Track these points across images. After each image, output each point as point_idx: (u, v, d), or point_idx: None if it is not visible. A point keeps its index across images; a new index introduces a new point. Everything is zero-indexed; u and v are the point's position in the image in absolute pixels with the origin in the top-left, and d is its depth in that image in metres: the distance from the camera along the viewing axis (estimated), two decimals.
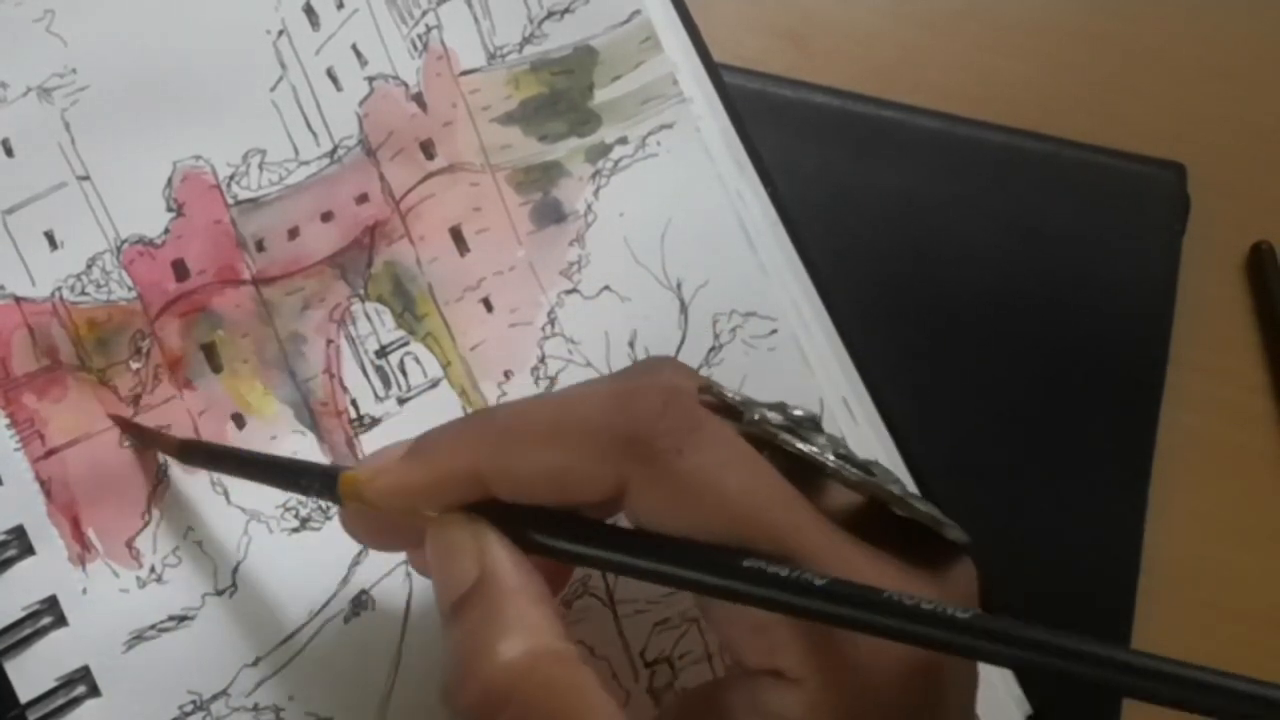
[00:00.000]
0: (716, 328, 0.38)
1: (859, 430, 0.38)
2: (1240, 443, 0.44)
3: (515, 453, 0.28)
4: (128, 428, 0.35)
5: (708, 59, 0.39)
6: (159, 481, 0.35)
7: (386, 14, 0.38)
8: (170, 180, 0.36)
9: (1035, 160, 0.43)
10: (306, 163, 0.37)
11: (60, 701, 0.34)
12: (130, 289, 0.36)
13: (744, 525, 0.27)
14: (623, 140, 0.38)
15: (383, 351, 0.37)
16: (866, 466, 0.28)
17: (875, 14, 0.45)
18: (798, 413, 0.29)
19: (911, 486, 0.38)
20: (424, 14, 0.38)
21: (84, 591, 0.35)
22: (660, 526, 0.27)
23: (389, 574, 0.36)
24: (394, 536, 0.31)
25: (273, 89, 0.37)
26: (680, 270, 0.38)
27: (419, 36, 0.38)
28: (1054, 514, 0.41)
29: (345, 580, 0.36)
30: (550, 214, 0.38)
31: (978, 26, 0.45)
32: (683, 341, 0.38)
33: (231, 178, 0.37)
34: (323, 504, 0.36)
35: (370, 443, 0.36)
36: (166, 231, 0.36)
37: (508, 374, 0.37)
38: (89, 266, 0.36)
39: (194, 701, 0.35)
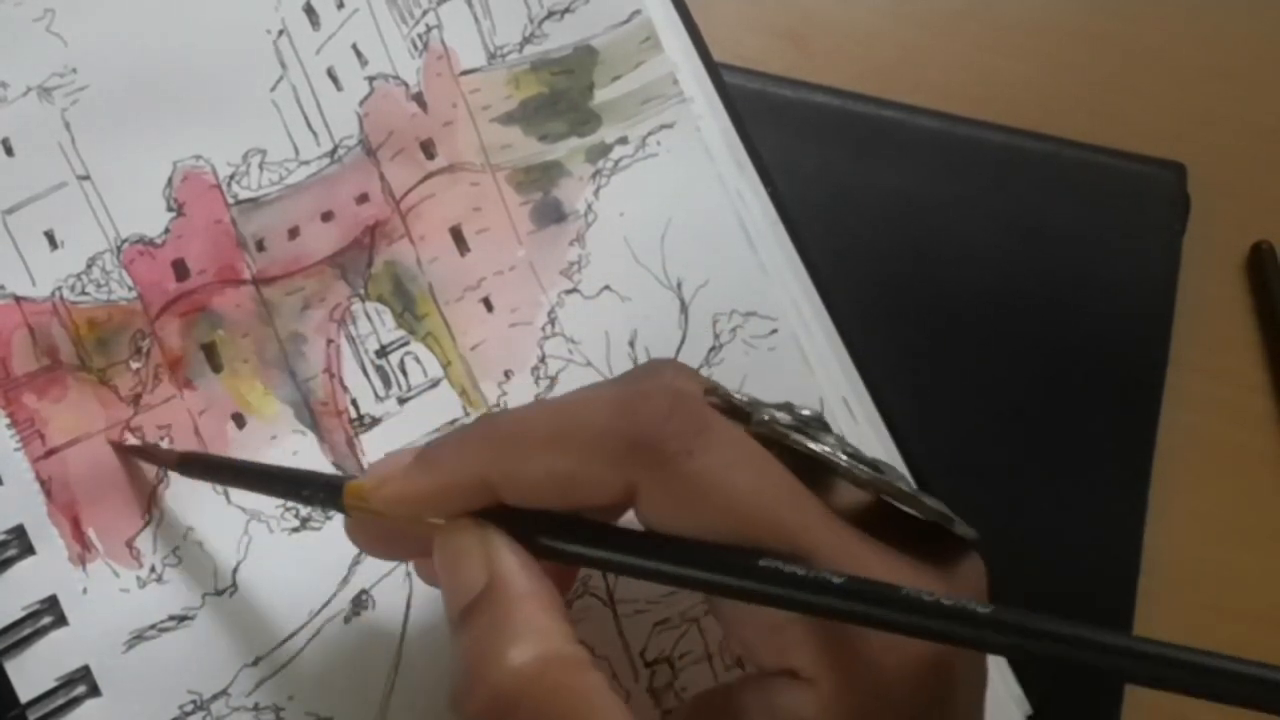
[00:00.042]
0: (716, 328, 0.38)
1: (859, 430, 0.38)
2: (1240, 443, 0.44)
3: (523, 458, 0.28)
4: (126, 451, 0.35)
5: (708, 59, 0.39)
6: (159, 481, 0.35)
7: (387, 14, 0.38)
8: (170, 180, 0.36)
9: (1035, 160, 0.43)
10: (307, 162, 0.37)
11: (60, 701, 0.34)
12: (130, 289, 0.36)
13: (756, 525, 0.27)
14: (623, 140, 0.38)
15: (383, 351, 0.37)
16: (875, 465, 0.28)
17: (875, 14, 0.45)
18: (805, 413, 0.29)
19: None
20: (424, 14, 0.38)
21: (84, 591, 0.35)
22: (671, 528, 0.27)
23: (389, 574, 0.36)
24: (400, 546, 0.31)
25: (273, 89, 0.37)
26: (680, 270, 0.38)
27: (419, 36, 0.38)
28: (1054, 514, 0.41)
29: (345, 580, 0.36)
30: (550, 214, 0.38)
31: (978, 26, 0.45)
32: (683, 341, 0.38)
33: (232, 177, 0.37)
34: None
35: (370, 442, 0.36)
36: (167, 231, 0.36)
37: (508, 374, 0.37)
38: (89, 266, 0.36)
39: (194, 701, 0.35)
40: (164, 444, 0.35)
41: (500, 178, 0.38)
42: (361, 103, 0.37)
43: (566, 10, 0.38)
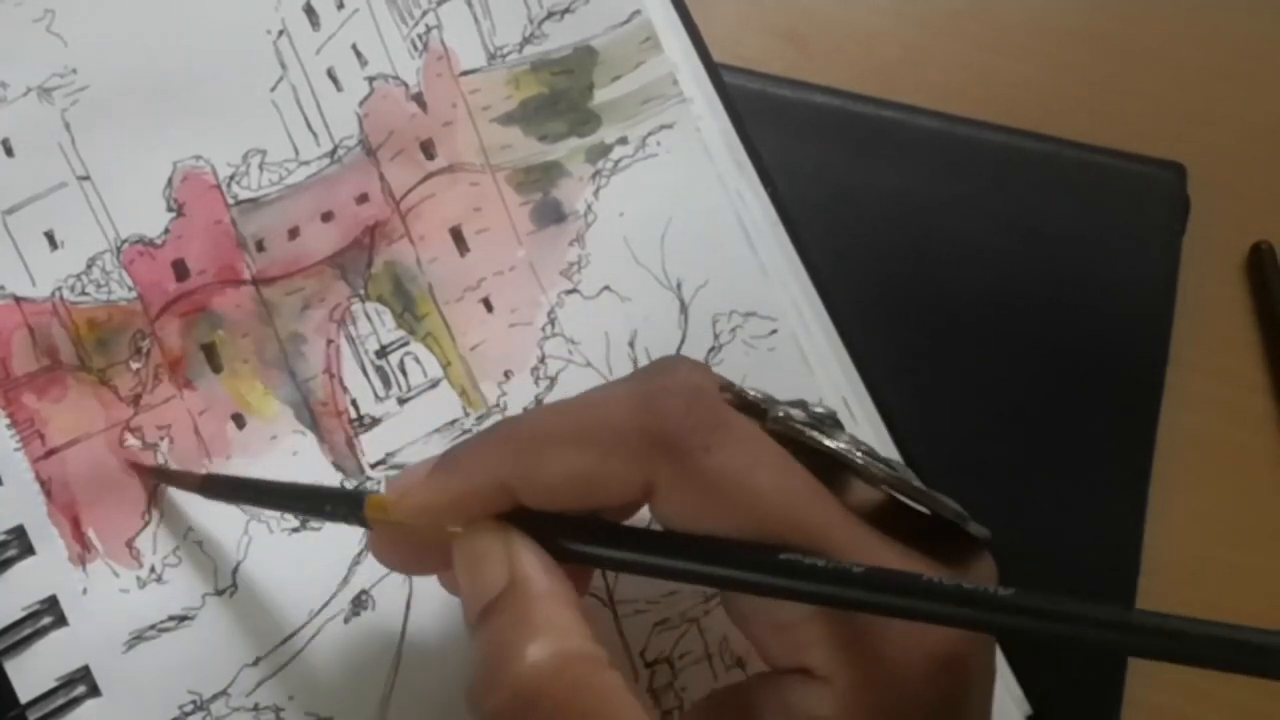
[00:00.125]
0: (716, 328, 0.38)
1: (859, 430, 0.38)
2: (1240, 443, 0.44)
3: (543, 459, 0.28)
4: (148, 473, 0.35)
5: (708, 59, 0.39)
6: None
7: (387, 14, 0.38)
8: (170, 180, 0.36)
9: (1035, 160, 0.43)
10: (307, 163, 0.37)
11: (60, 701, 0.34)
12: (130, 289, 0.36)
13: (774, 521, 0.27)
14: (623, 140, 0.38)
15: (383, 351, 0.37)
16: (889, 463, 0.28)
17: (875, 14, 0.45)
18: (818, 410, 0.29)
19: None
20: (424, 14, 0.38)
21: (84, 591, 0.35)
22: (689, 525, 0.27)
23: (389, 574, 0.36)
24: (426, 559, 0.31)
25: (273, 89, 0.37)
26: (680, 270, 0.38)
27: (419, 36, 0.38)
28: (1054, 514, 0.41)
29: (345, 580, 0.36)
30: (550, 214, 0.38)
31: (978, 26, 0.45)
32: (683, 341, 0.38)
33: (232, 178, 0.37)
34: None
35: (370, 442, 0.36)
36: (166, 231, 0.36)
37: (508, 374, 0.37)
38: (89, 266, 0.36)
39: (194, 701, 0.35)
40: (164, 444, 0.36)
41: (500, 178, 0.38)
42: (361, 103, 0.37)
43: (566, 10, 0.38)
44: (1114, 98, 0.45)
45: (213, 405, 0.36)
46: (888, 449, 0.38)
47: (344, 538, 0.35)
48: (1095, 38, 0.46)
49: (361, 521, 0.30)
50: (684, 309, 0.38)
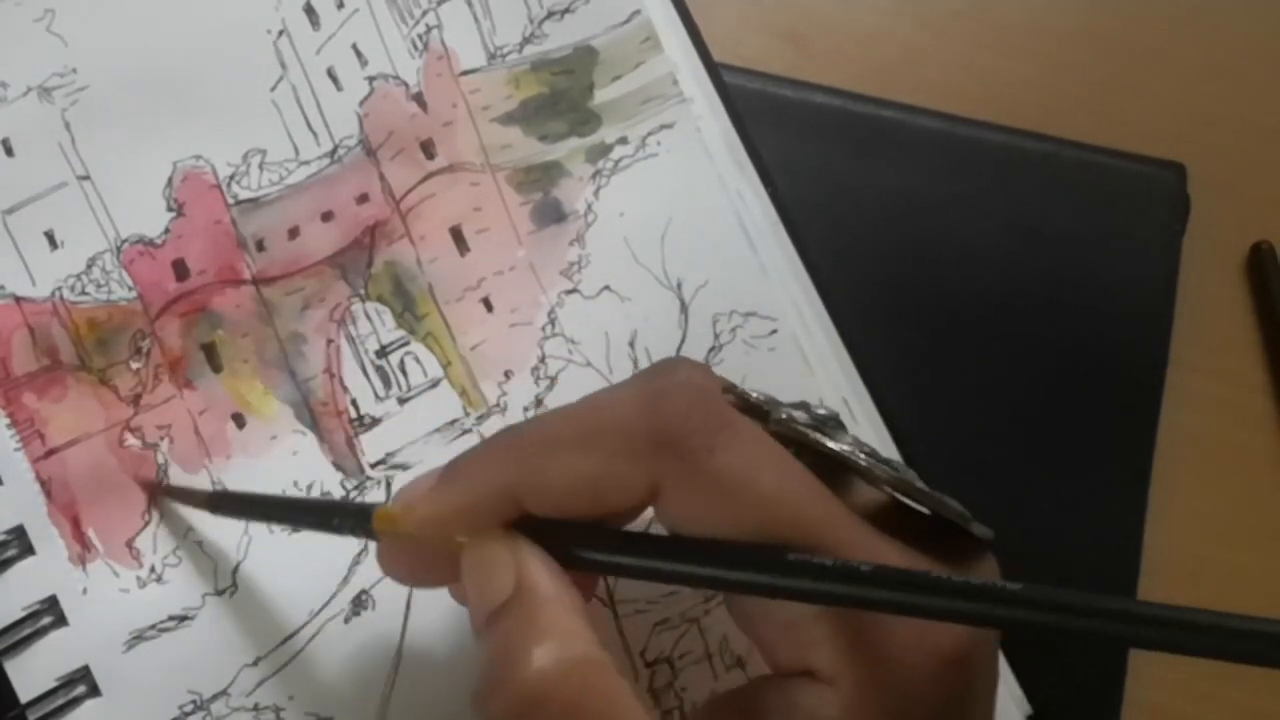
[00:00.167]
0: (716, 328, 0.38)
1: (859, 430, 0.38)
2: (1240, 443, 0.44)
3: (548, 465, 0.28)
4: (158, 490, 0.35)
5: (708, 59, 0.39)
6: (159, 481, 0.35)
7: (387, 14, 0.38)
8: (170, 180, 0.36)
9: (1035, 160, 0.43)
10: (307, 162, 0.37)
11: (60, 701, 0.34)
12: (130, 289, 0.36)
13: (779, 522, 0.27)
14: (623, 140, 0.38)
15: (383, 351, 0.37)
16: (891, 464, 0.28)
17: (875, 14, 0.45)
18: (821, 412, 0.29)
19: None
20: (424, 14, 0.38)
21: (84, 591, 0.35)
22: (694, 528, 0.27)
23: None
24: (433, 570, 0.31)
25: (273, 89, 0.37)
26: (680, 270, 0.38)
27: (419, 36, 0.38)
28: (1054, 514, 0.41)
29: (345, 580, 0.36)
30: (550, 214, 0.38)
31: (978, 26, 0.45)
32: (683, 341, 0.38)
33: (232, 177, 0.37)
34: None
35: (370, 442, 0.36)
36: (167, 231, 0.36)
37: (508, 374, 0.37)
38: (89, 266, 0.36)
39: (194, 701, 0.35)
40: (164, 444, 0.36)
41: (500, 178, 0.38)
42: (361, 103, 0.37)
43: (566, 10, 0.38)
44: (1114, 98, 0.45)
45: (213, 405, 0.36)
46: (888, 449, 0.38)
47: (344, 538, 0.35)
48: (1095, 38, 0.46)
49: (370, 534, 0.30)
50: (684, 309, 0.38)
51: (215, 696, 0.35)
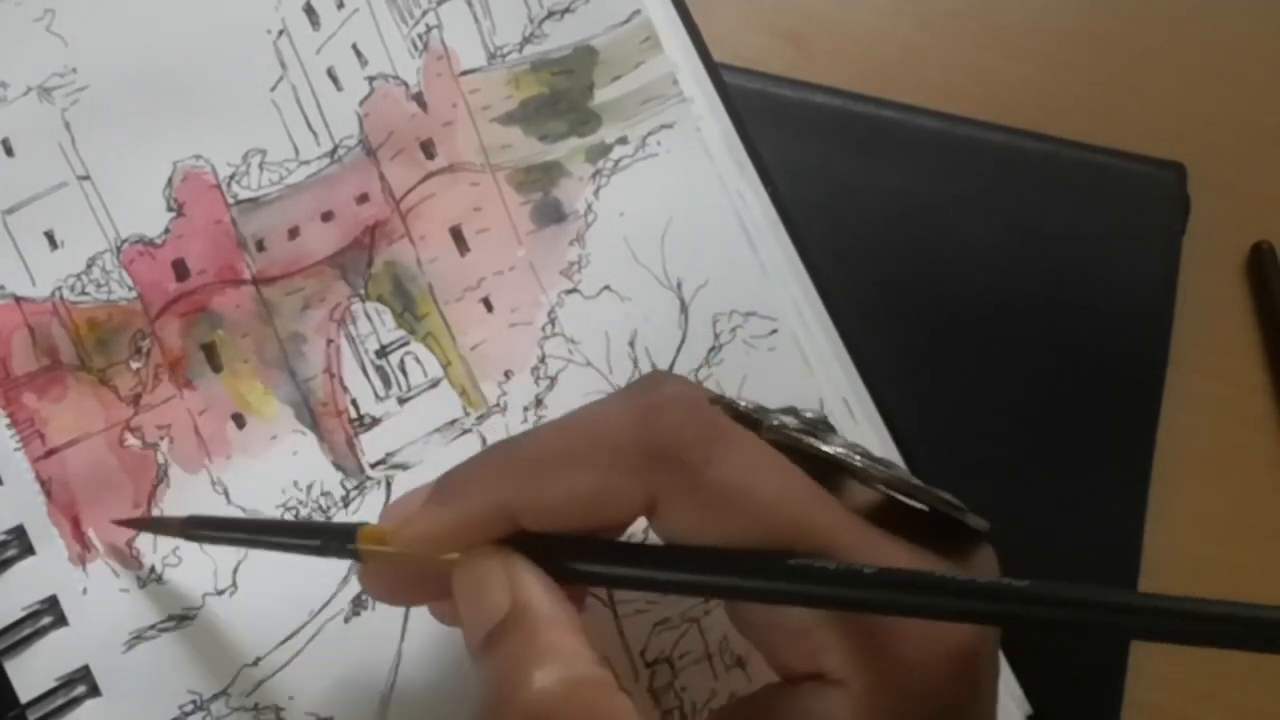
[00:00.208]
0: (716, 328, 0.38)
1: (859, 430, 0.38)
2: (1240, 443, 0.44)
3: (544, 481, 0.28)
4: (130, 524, 0.35)
5: (708, 59, 0.39)
6: (159, 481, 0.35)
7: (387, 14, 0.38)
8: (170, 180, 0.36)
9: (1035, 160, 0.43)
10: (307, 162, 0.37)
11: (60, 701, 0.34)
12: (130, 289, 0.36)
13: (782, 528, 0.27)
14: (623, 140, 0.38)
15: (383, 351, 0.37)
16: (884, 463, 0.28)
17: (875, 14, 0.45)
18: (809, 415, 0.29)
19: None
20: (424, 14, 0.38)
21: (84, 591, 0.35)
22: (693, 538, 0.27)
23: None
24: (418, 589, 0.31)
25: (273, 89, 0.37)
26: (680, 270, 0.38)
27: (419, 36, 0.38)
28: (1054, 514, 0.41)
29: (345, 580, 0.36)
30: (550, 214, 0.38)
31: (978, 26, 0.45)
32: (683, 341, 0.38)
33: (232, 177, 0.37)
34: (321, 503, 0.36)
35: (370, 442, 0.36)
36: (167, 231, 0.36)
37: (508, 374, 0.37)
38: (89, 266, 0.36)
39: (194, 701, 0.35)
40: (164, 444, 0.36)
41: (500, 178, 0.38)
42: (361, 103, 0.37)
43: (566, 10, 0.38)
44: (1114, 98, 0.45)
45: (213, 405, 0.36)
46: (888, 449, 0.38)
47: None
48: (1095, 38, 0.46)
49: (353, 555, 0.30)
50: (684, 309, 0.38)
51: (215, 696, 0.35)
